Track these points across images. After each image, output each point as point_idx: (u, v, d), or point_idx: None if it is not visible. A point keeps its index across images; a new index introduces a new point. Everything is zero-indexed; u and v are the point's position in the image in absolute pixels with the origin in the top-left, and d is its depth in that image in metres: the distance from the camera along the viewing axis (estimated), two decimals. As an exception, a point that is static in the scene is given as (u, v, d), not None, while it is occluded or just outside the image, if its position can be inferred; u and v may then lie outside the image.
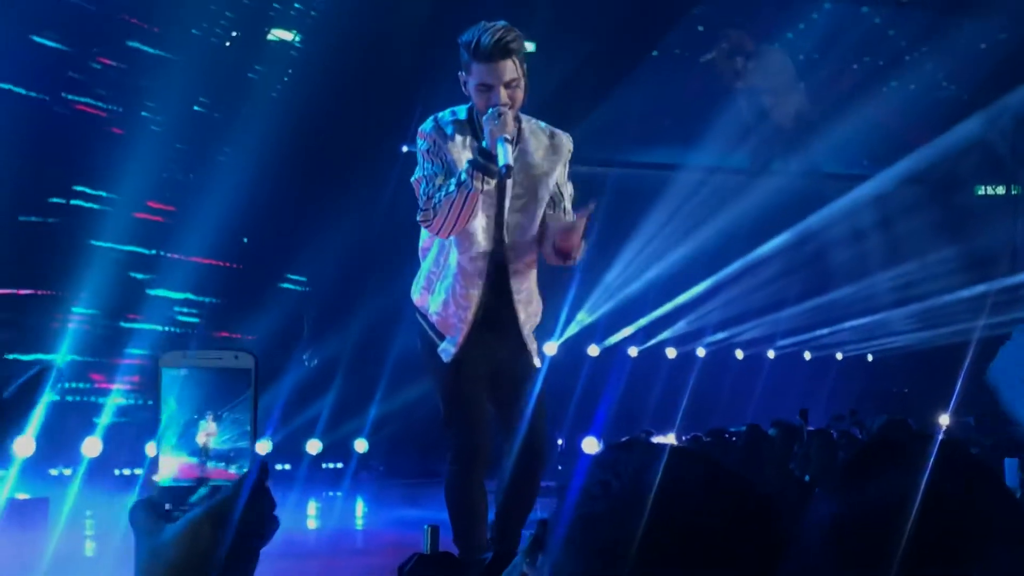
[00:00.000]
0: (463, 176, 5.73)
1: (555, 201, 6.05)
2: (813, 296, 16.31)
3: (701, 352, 16.53)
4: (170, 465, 1.70)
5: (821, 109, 15.45)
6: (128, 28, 12.37)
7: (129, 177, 11.74)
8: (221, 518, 1.69)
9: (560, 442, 13.43)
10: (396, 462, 13.11)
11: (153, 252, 12.50)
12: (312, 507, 11.26)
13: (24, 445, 9.92)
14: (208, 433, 1.74)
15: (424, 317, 6.11)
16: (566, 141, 6.11)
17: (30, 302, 11.57)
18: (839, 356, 18.14)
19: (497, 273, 6.02)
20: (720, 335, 16.57)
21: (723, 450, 10.62)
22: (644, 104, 14.98)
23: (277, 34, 13.75)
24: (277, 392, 12.12)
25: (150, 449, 11.15)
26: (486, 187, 5.77)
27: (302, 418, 12.41)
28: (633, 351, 15.85)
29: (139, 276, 12.32)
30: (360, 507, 11.49)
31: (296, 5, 13.77)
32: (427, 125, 5.91)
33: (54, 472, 10.69)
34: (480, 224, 5.94)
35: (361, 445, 12.80)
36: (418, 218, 5.88)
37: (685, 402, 13.53)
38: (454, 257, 6.01)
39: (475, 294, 5.99)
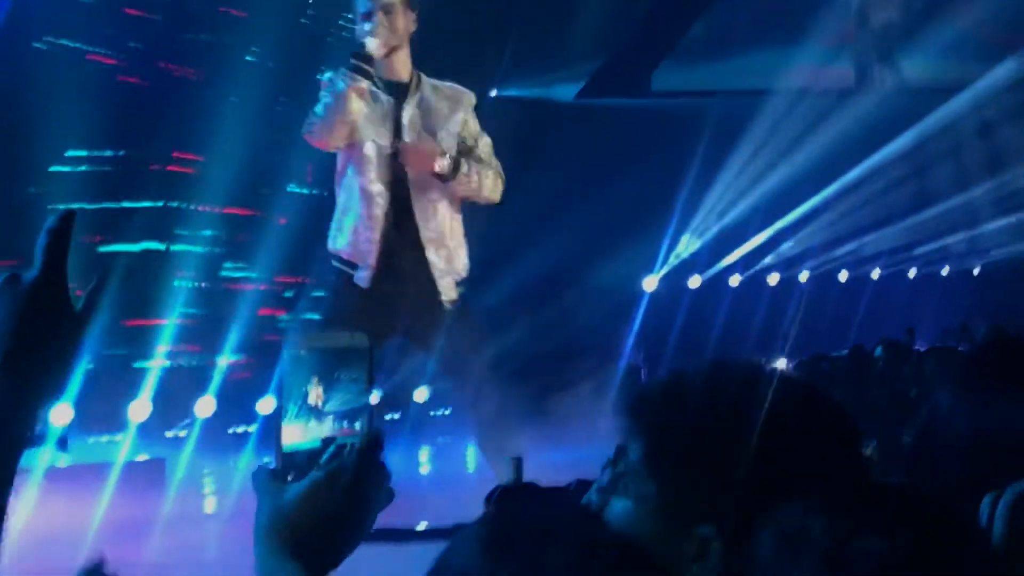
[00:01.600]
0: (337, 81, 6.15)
1: (462, 152, 6.36)
2: (915, 212, 16.09)
3: (804, 276, 16.38)
4: (294, 431, 1.81)
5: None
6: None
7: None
8: (339, 482, 1.80)
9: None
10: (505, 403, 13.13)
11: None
12: (424, 453, 11.36)
13: (139, 409, 10.12)
14: (318, 395, 1.83)
15: (338, 259, 6.24)
16: (466, 93, 6.53)
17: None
18: (944, 272, 17.90)
19: (400, 207, 6.15)
20: (822, 258, 16.42)
21: (827, 374, 10.56)
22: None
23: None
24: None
25: (262, 406, 11.35)
26: (356, 84, 6.02)
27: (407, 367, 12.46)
28: (735, 280, 15.75)
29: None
30: (471, 451, 11.57)
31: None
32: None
33: (169, 434, 10.88)
34: (372, 149, 6.12)
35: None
36: (303, 132, 6.14)
37: (789, 328, 13.46)
38: (356, 184, 6.18)
39: (379, 214, 6.17)
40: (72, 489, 8.08)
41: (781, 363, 12.28)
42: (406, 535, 3.14)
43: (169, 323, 11.28)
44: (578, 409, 12.20)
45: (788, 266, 16.23)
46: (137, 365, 11.03)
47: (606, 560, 1.60)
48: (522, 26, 13.70)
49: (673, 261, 14.55)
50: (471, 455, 11.37)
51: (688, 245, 14.75)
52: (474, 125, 6.50)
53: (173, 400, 10.87)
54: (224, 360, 11.27)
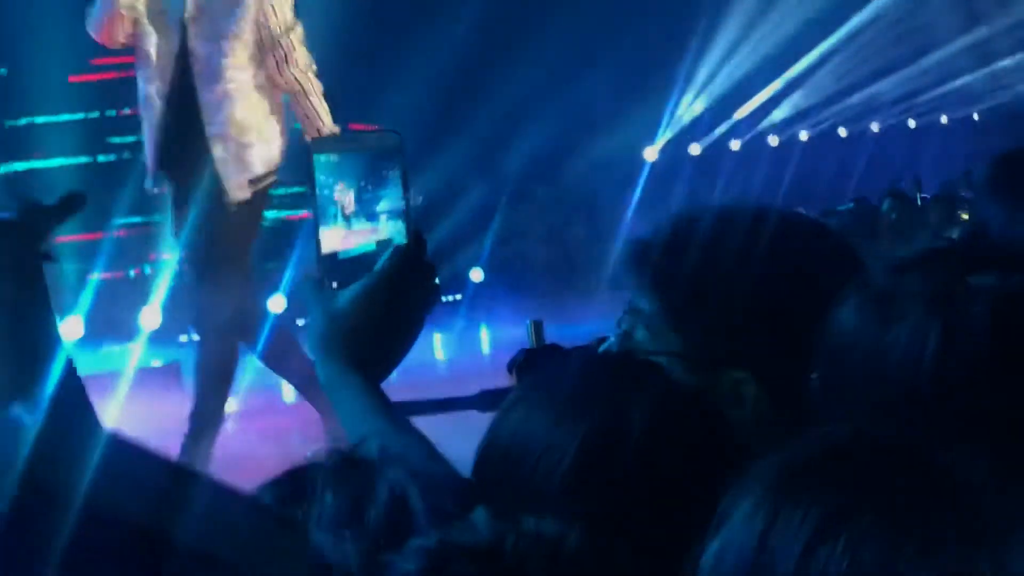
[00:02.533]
0: None
1: (267, 47, 5.91)
2: (910, 63, 15.97)
3: (804, 136, 16.30)
4: (332, 238, 1.78)
5: None
6: None
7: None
8: (389, 283, 1.78)
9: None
10: (517, 285, 13.15)
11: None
12: (437, 338, 11.38)
13: (150, 316, 10.12)
14: (352, 200, 1.81)
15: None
16: None
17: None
18: (944, 120, 17.80)
19: (184, 104, 5.88)
20: (819, 115, 16.33)
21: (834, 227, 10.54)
22: None
23: None
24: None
25: (273, 305, 11.31)
26: None
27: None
28: (735, 144, 15.68)
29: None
30: (485, 333, 11.61)
31: None
32: None
33: (184, 339, 10.90)
34: (151, 44, 5.85)
35: (477, 274, 12.83)
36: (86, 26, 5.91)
37: (788, 187, 13.41)
38: (140, 85, 5.94)
39: (159, 116, 5.85)
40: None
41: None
42: (439, 405, 3.09)
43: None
44: (584, 283, 12.22)
45: (787, 126, 16.16)
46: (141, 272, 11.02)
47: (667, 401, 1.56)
48: None
49: (673, 129, 14.46)
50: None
51: (687, 112, 14.66)
52: (281, 12, 5.97)
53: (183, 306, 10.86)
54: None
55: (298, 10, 6.13)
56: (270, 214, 12.22)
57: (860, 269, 1.70)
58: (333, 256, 1.82)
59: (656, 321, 1.84)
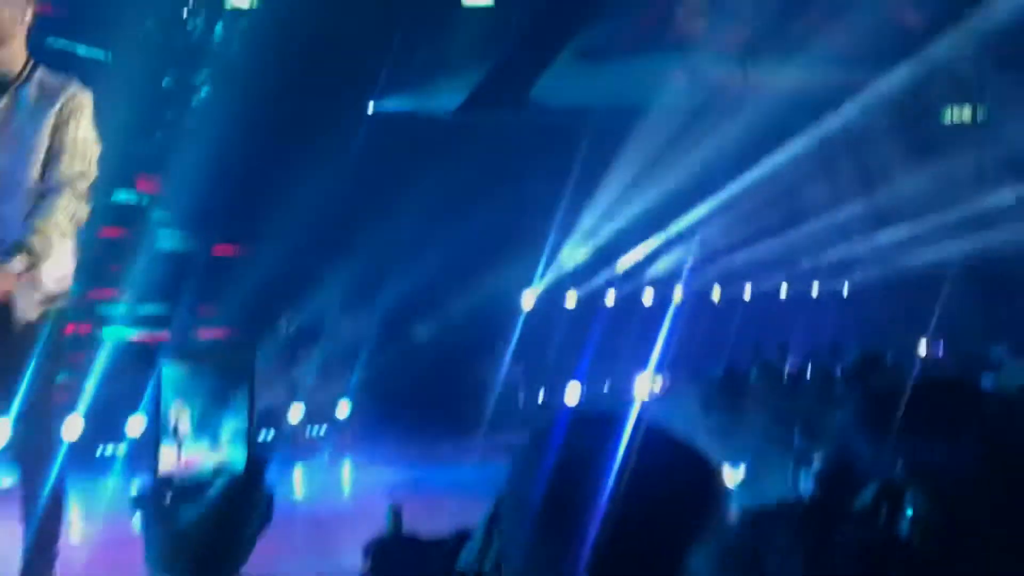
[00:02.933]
0: None
1: (51, 157, 5.72)
2: (784, 230, 16.32)
3: (678, 294, 16.53)
4: (170, 457, 1.78)
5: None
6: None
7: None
8: (230, 503, 1.79)
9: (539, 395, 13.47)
10: (383, 425, 13.13)
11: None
12: (298, 474, 11.27)
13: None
14: (195, 416, 1.81)
15: None
16: (70, 89, 5.77)
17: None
18: (814, 290, 18.14)
19: None
20: (695, 276, 16.57)
21: (704, 394, 10.69)
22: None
23: (234, 2, 13.68)
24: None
25: (132, 428, 11.16)
26: None
27: (282, 385, 12.41)
28: (610, 298, 15.84)
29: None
30: (347, 472, 11.52)
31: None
32: None
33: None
34: None
35: (344, 408, 12.77)
36: None
37: (664, 346, 13.54)
38: None
39: None
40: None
41: (658, 381, 12.41)
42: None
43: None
44: (457, 427, 12.21)
45: (661, 283, 16.37)
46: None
47: None
48: (401, 39, 13.66)
49: (550, 277, 14.60)
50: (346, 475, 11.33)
51: (565, 261, 14.81)
52: (78, 128, 5.78)
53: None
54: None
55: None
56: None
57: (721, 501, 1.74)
58: (169, 477, 1.83)
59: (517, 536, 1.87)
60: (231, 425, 1.84)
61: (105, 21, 12.58)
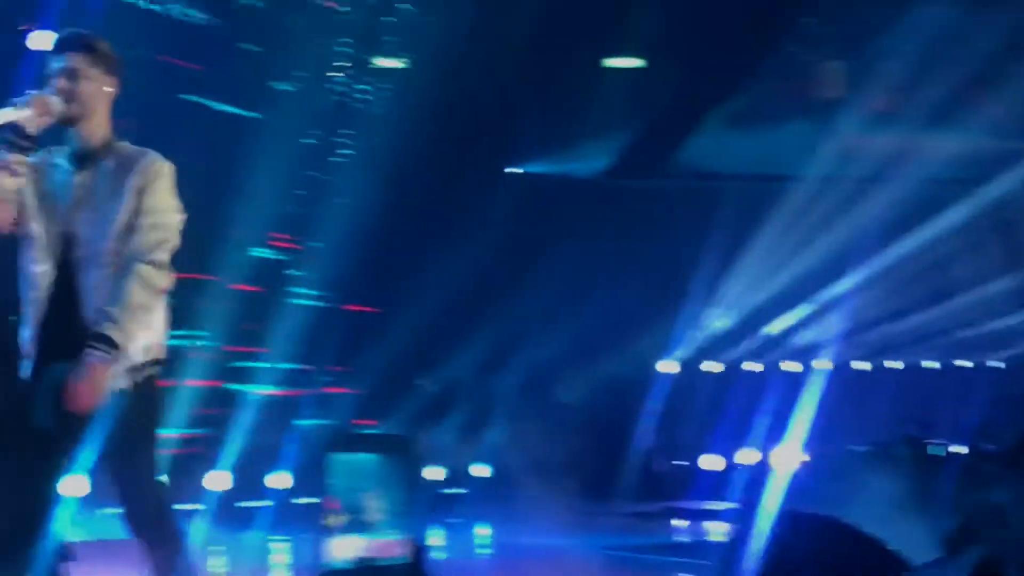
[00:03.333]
0: None
1: (130, 227, 5.73)
2: (935, 303, 15.96)
3: (820, 364, 16.21)
4: (342, 546, 1.77)
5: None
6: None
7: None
8: None
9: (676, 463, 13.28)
10: (519, 489, 13.01)
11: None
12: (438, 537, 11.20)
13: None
14: (373, 509, 1.81)
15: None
16: (148, 158, 5.81)
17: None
18: (961, 364, 17.70)
19: (64, 287, 5.66)
20: (838, 347, 16.24)
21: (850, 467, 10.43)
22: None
23: (381, 63, 13.79)
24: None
25: (273, 480, 11.21)
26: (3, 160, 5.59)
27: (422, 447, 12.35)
28: (750, 366, 15.59)
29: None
30: (486, 532, 11.42)
31: (389, 37, 13.81)
32: None
33: (180, 507, 10.68)
34: (39, 227, 5.69)
35: (482, 470, 12.67)
36: None
37: (810, 418, 13.27)
38: (26, 267, 5.75)
39: (40, 297, 5.68)
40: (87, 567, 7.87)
41: (802, 455, 12.15)
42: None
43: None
44: (593, 492, 12.07)
45: (804, 353, 16.07)
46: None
47: None
48: (545, 101, 13.65)
49: (691, 343, 14.41)
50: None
51: (707, 327, 14.61)
52: (156, 197, 5.82)
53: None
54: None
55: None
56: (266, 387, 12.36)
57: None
58: (344, 563, 1.79)
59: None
60: (399, 507, 1.81)
61: (249, 79, 12.79)
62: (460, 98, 13.14)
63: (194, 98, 12.45)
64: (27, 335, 5.73)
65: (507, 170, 14.16)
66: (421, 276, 13.53)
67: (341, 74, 13.67)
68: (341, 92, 13.68)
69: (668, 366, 14.15)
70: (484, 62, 13.12)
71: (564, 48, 13.44)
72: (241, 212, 12.24)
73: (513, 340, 13.18)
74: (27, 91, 5.52)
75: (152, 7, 12.04)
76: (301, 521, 10.91)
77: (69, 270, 5.65)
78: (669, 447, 13.36)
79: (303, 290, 13.28)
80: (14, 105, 5.46)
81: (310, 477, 11.80)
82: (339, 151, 13.77)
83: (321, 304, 13.25)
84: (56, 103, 5.55)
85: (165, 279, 5.69)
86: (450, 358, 13.13)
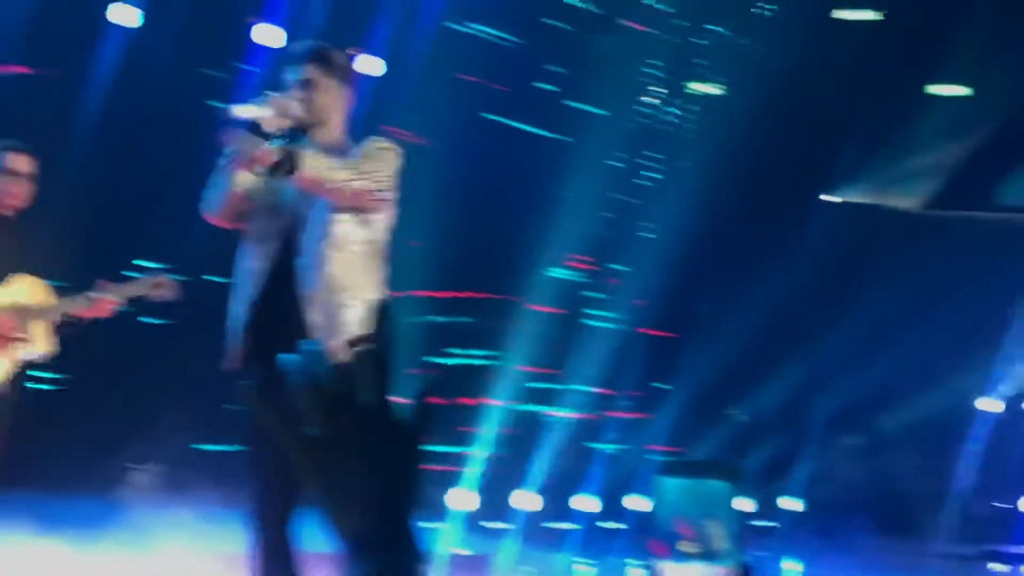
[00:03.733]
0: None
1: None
2: None
3: None
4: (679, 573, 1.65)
5: None
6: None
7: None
8: None
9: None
10: (830, 524, 12.66)
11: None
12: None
13: (464, 499, 9.97)
14: (717, 537, 1.70)
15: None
16: (367, 141, 5.85)
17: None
18: None
19: (280, 273, 5.68)
20: None
21: None
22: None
23: (697, 87, 13.64)
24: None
25: (578, 503, 11.16)
26: (243, 157, 5.58)
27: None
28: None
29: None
30: (796, 568, 11.15)
31: (700, 60, 13.64)
32: None
33: (487, 525, 10.75)
34: (263, 220, 5.73)
35: (792, 504, 12.36)
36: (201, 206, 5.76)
37: None
38: (245, 263, 5.78)
39: (255, 289, 5.71)
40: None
41: None
42: None
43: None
44: (907, 532, 11.68)
45: None
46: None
47: None
48: (863, 126, 13.29)
49: (1012, 382, 13.78)
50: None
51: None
52: (374, 145, 5.90)
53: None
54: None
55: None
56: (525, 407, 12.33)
57: None
58: None
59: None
60: (734, 536, 1.66)
61: (554, 100, 12.82)
62: (775, 122, 12.88)
63: (500, 119, 12.57)
64: (235, 328, 5.76)
65: (821, 197, 13.81)
66: (727, 302, 13.31)
67: (649, 97, 13.57)
68: (649, 115, 13.59)
69: (989, 404, 13.57)
70: (800, 85, 12.84)
71: (886, 73, 13.06)
72: (542, 233, 12.26)
73: (825, 371, 12.86)
74: (266, 92, 5.61)
75: (461, 28, 12.20)
76: (608, 544, 10.85)
77: (289, 269, 5.67)
78: (989, 488, 12.80)
79: (601, 312, 13.22)
80: (254, 103, 5.55)
81: (615, 501, 11.74)
82: (646, 174, 13.68)
83: (619, 327, 13.15)
84: (295, 107, 5.62)
85: (362, 186, 5.65)
86: (760, 386, 12.87)
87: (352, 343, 5.50)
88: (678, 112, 13.74)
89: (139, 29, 10.95)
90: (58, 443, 10.16)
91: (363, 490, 1.78)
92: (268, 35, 10.99)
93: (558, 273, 12.80)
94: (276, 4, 11.16)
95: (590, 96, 12.99)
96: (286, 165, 5.43)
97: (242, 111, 5.56)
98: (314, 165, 5.50)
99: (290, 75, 5.83)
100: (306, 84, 5.76)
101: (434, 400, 1.86)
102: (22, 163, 7.26)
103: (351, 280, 5.63)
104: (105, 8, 10.87)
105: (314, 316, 5.56)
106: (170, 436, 10.81)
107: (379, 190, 5.70)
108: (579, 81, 13.03)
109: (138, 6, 10.88)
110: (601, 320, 13.22)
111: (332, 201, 5.62)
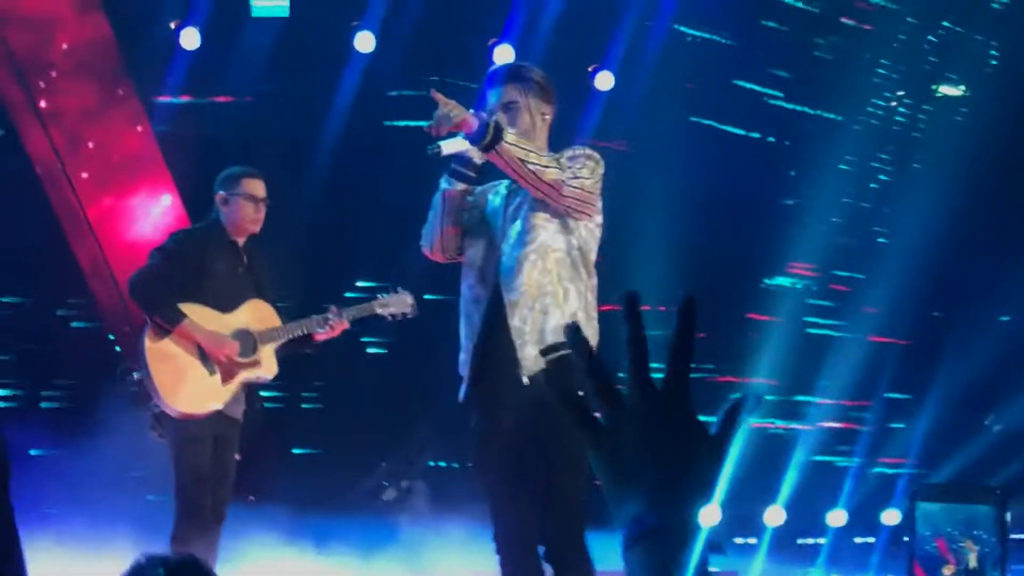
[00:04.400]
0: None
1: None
2: None
3: None
4: None
5: None
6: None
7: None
8: None
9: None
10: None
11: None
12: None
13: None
14: (974, 560, 1.58)
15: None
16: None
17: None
18: None
19: (500, 313, 5.63)
20: None
21: None
22: None
23: (944, 91, 13.25)
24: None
25: (834, 519, 10.93)
26: (452, 188, 5.67)
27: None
28: None
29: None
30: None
31: (933, 58, 13.24)
32: None
33: (738, 541, 10.64)
34: (478, 250, 5.75)
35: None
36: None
37: None
38: (465, 291, 5.79)
39: (475, 317, 5.70)
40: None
41: None
42: None
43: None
44: None
45: None
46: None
47: None
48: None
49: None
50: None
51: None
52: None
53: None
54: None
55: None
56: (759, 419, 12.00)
57: None
58: None
59: None
60: (992, 556, 1.53)
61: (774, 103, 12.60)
62: (1015, 120, 12.40)
63: (717, 124, 12.41)
64: (464, 358, 5.74)
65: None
66: (967, 307, 12.84)
67: (878, 99, 13.23)
68: (881, 117, 13.23)
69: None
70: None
71: None
72: (761, 239, 12.06)
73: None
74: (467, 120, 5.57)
75: (683, 30, 12.10)
76: (861, 560, 10.62)
77: (502, 298, 5.66)
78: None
79: (823, 320, 12.90)
80: (462, 135, 5.52)
81: (865, 515, 11.42)
82: (878, 176, 13.33)
83: (845, 335, 12.81)
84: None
85: (558, 176, 5.62)
86: (1013, 395, 12.33)
87: (544, 352, 5.51)
88: (909, 112, 13.35)
89: (373, 54, 11.10)
90: (312, 461, 10.34)
91: (646, 476, 1.80)
92: (506, 55, 10.97)
93: (781, 281, 12.57)
94: (510, 25, 11.19)
95: (816, 99, 12.74)
96: (488, 135, 5.42)
97: (449, 147, 5.61)
98: (516, 141, 5.52)
99: (491, 98, 5.85)
100: (508, 107, 5.80)
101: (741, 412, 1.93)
102: (259, 188, 7.40)
103: (552, 287, 5.58)
104: (348, 36, 11.04)
105: (514, 322, 5.57)
106: (423, 454, 10.92)
107: (575, 187, 5.69)
108: (801, 82, 12.80)
109: (372, 30, 11.03)
110: (829, 329, 12.91)
111: (528, 187, 5.65)
